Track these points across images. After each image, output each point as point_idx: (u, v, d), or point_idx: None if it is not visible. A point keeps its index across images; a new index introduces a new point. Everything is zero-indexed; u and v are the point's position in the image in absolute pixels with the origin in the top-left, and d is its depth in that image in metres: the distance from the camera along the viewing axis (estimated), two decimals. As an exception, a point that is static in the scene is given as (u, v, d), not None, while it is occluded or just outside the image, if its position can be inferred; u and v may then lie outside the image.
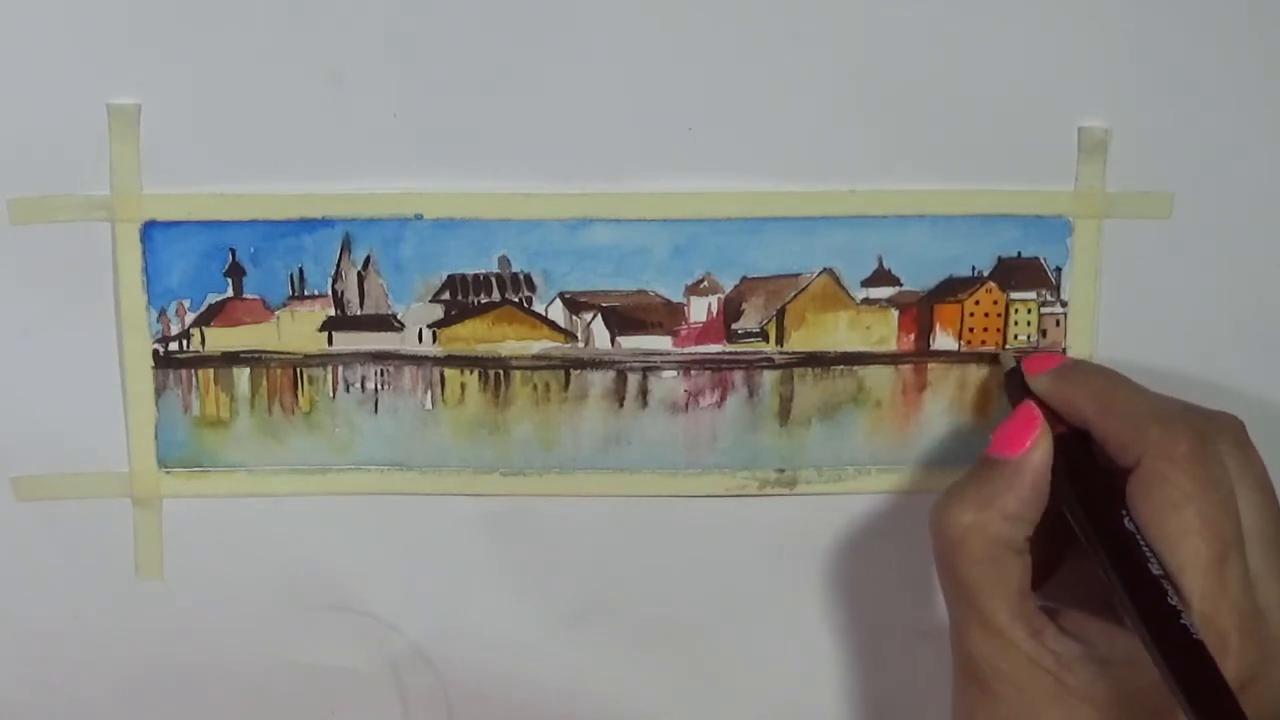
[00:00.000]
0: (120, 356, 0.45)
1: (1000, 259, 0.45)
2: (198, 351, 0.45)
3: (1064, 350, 0.46)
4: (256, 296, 0.45)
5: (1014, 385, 0.43)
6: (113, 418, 0.45)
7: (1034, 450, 0.40)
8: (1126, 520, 0.39)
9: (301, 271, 0.45)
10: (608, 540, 0.47)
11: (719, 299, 0.45)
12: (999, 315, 0.45)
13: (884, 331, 0.46)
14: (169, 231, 0.44)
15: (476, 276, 0.45)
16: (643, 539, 0.47)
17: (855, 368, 0.46)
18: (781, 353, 0.46)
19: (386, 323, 0.45)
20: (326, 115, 0.43)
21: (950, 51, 0.44)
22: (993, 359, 0.45)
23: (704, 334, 0.45)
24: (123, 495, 0.46)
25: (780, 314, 0.45)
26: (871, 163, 0.44)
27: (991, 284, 0.45)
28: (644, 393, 0.46)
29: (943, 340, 0.46)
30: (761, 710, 0.49)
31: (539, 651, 0.48)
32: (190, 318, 0.45)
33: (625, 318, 0.45)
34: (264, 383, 0.45)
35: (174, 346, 0.45)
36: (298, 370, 0.45)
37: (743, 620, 0.48)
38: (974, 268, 0.45)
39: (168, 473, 0.46)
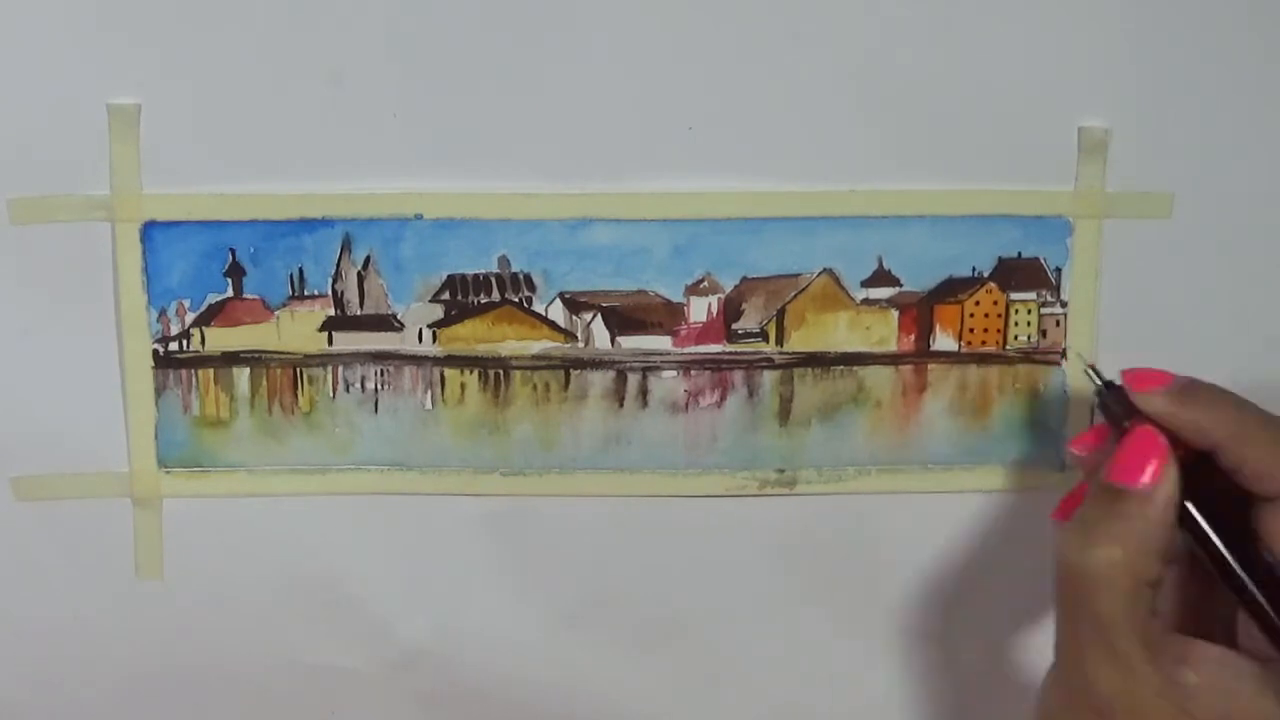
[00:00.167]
0: (120, 356, 0.45)
1: (1000, 259, 0.45)
2: (198, 351, 0.45)
3: (1063, 351, 0.46)
4: (256, 296, 0.45)
5: (1117, 407, 0.41)
6: (113, 418, 0.45)
7: (1165, 478, 0.39)
8: (1259, 546, 0.38)
9: (301, 271, 0.45)
10: (608, 540, 0.47)
11: (719, 299, 0.45)
12: (999, 316, 0.45)
13: (884, 332, 0.46)
14: (169, 231, 0.44)
15: (476, 276, 0.45)
16: (643, 539, 0.47)
17: (855, 368, 0.46)
18: (781, 353, 0.46)
19: (386, 323, 0.45)
20: (326, 115, 0.43)
21: (950, 51, 0.44)
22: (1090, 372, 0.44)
23: (704, 334, 0.45)
24: (123, 495, 0.46)
25: (780, 314, 0.45)
26: (871, 163, 0.44)
27: (991, 284, 0.45)
28: (644, 393, 0.46)
29: (943, 341, 0.46)
30: (761, 710, 0.49)
31: (539, 651, 0.48)
32: (190, 318, 0.45)
33: (625, 318, 0.45)
34: (264, 383, 0.45)
35: (174, 346, 0.45)
36: (298, 370, 0.45)
37: (742, 620, 0.48)
38: (974, 268, 0.45)
39: (168, 473, 0.46)
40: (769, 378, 0.46)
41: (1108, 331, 0.46)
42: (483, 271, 0.45)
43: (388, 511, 0.46)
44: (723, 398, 0.46)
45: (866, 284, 0.45)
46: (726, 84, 0.44)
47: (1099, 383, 0.41)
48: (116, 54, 0.43)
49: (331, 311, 0.45)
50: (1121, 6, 0.44)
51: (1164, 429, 0.40)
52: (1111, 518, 0.39)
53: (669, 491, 0.46)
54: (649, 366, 0.45)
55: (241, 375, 0.45)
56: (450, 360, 0.45)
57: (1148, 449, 0.40)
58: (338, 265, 0.45)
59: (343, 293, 0.45)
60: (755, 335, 0.45)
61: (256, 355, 0.45)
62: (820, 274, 0.45)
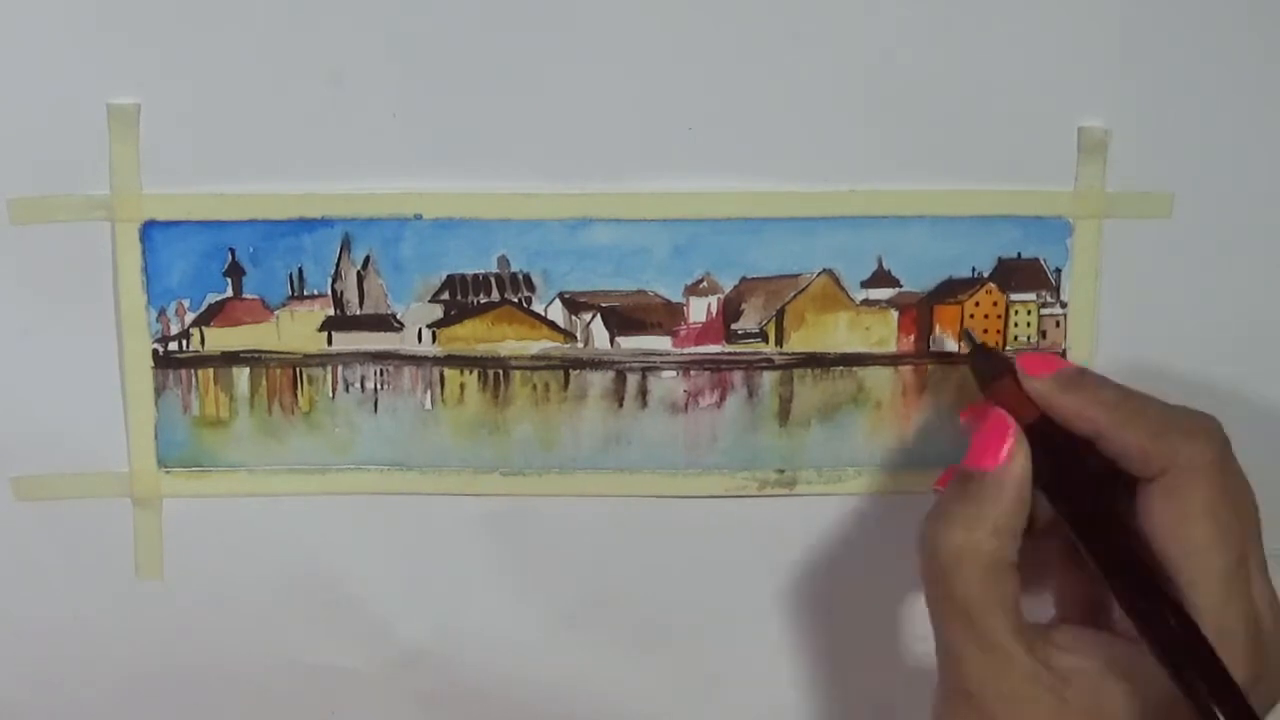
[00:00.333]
0: (120, 356, 0.45)
1: (1000, 260, 0.45)
2: (197, 351, 0.45)
3: (1064, 352, 0.46)
4: (256, 296, 0.45)
5: (984, 368, 0.42)
6: (113, 418, 0.45)
7: (1013, 461, 0.40)
8: (1122, 522, 0.39)
9: (301, 271, 0.45)
10: (608, 540, 0.47)
11: (718, 299, 0.45)
12: (999, 316, 0.45)
13: (884, 332, 0.46)
14: (169, 231, 0.44)
15: (476, 276, 0.45)
16: (643, 539, 0.47)
17: (855, 368, 0.46)
18: (781, 353, 0.46)
19: (386, 323, 0.45)
20: (326, 115, 0.43)
21: (950, 51, 0.44)
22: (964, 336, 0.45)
23: (703, 334, 0.45)
24: (123, 495, 0.46)
25: (780, 314, 0.45)
26: (871, 163, 0.44)
27: (991, 285, 0.45)
28: (643, 393, 0.46)
29: (942, 341, 0.45)
30: (761, 710, 0.49)
31: (539, 651, 0.48)
32: (190, 318, 0.45)
33: (625, 318, 0.45)
34: (264, 383, 0.45)
35: (174, 346, 0.45)
36: (297, 370, 0.45)
37: (742, 620, 0.48)
38: (974, 269, 0.45)
39: (168, 473, 0.46)
40: (769, 378, 0.46)
41: (1108, 332, 0.46)
42: (482, 271, 0.45)
43: (388, 511, 0.46)
44: (722, 398, 0.46)
45: (866, 284, 0.45)
46: (726, 84, 0.44)
47: (975, 344, 0.43)
48: (116, 54, 0.43)
49: (331, 311, 0.45)
50: (1121, 6, 0.44)
51: (1050, 415, 0.40)
52: (962, 500, 0.40)
53: (669, 491, 0.46)
54: (649, 367, 0.45)
55: (241, 375, 0.45)
56: (450, 360, 0.45)
57: (997, 433, 0.40)
58: (337, 265, 0.45)
59: (342, 293, 0.45)
60: (755, 335, 0.45)
61: (256, 355, 0.45)
62: (820, 274, 0.45)
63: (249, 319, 0.45)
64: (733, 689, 0.49)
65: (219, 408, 0.45)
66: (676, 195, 0.44)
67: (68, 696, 0.47)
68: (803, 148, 0.44)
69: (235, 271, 0.44)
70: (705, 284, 0.45)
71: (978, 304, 0.45)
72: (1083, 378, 0.41)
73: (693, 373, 0.46)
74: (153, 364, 0.45)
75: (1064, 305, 0.45)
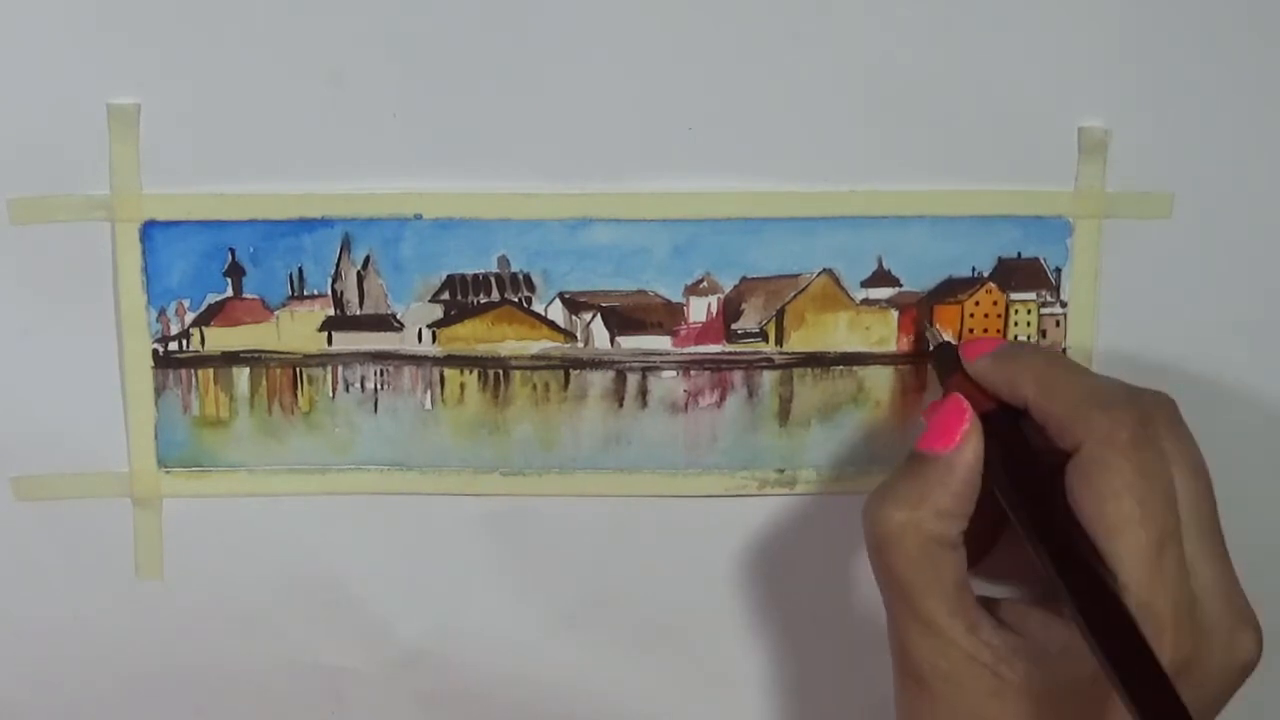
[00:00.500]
0: (120, 356, 0.45)
1: (1000, 259, 0.45)
2: (197, 351, 0.45)
3: (1063, 351, 0.46)
4: (256, 296, 0.45)
5: (943, 362, 0.43)
6: (113, 418, 0.45)
7: (965, 446, 0.39)
8: (1062, 505, 0.38)
9: (301, 271, 0.45)
10: (608, 540, 0.47)
11: (719, 299, 0.45)
12: (999, 316, 0.45)
13: (884, 332, 0.46)
14: (169, 231, 0.44)
15: (476, 276, 0.45)
16: (643, 539, 0.47)
17: (855, 368, 0.46)
18: (781, 353, 0.46)
19: (386, 323, 0.45)
20: (326, 115, 0.43)
21: (950, 51, 0.44)
22: (917, 353, 0.45)
23: (703, 334, 0.45)
24: (123, 495, 0.46)
25: (780, 314, 0.45)
26: (871, 163, 0.44)
27: (991, 285, 0.45)
28: (643, 393, 0.46)
29: (941, 337, 0.45)
30: (760, 710, 0.49)
31: (539, 651, 0.48)
32: (190, 318, 0.45)
33: (625, 318, 0.45)
34: (264, 383, 0.45)
35: (174, 346, 0.45)
36: (297, 370, 0.45)
37: (742, 620, 0.48)
38: (974, 268, 0.45)
39: (168, 473, 0.46)
40: (769, 378, 0.46)
41: (1107, 332, 0.46)
42: (482, 271, 0.45)
43: (388, 511, 0.46)
44: (722, 398, 0.46)
45: (866, 284, 0.45)
46: (726, 84, 0.44)
47: (938, 341, 0.43)
48: (116, 54, 0.43)
49: (331, 311, 0.45)
50: (1121, 6, 0.44)
51: (976, 385, 0.40)
52: (909, 480, 0.40)
53: (669, 491, 0.46)
54: (649, 366, 0.45)
55: (241, 375, 0.45)
56: (450, 360, 0.45)
57: (952, 417, 0.40)
58: (337, 265, 0.45)
59: (342, 293, 0.45)
60: (755, 335, 0.45)
61: (256, 355, 0.45)
62: (820, 274, 0.45)
63: (249, 319, 0.45)
64: (733, 689, 0.49)
65: (219, 408, 0.46)
66: (676, 195, 0.44)
67: (68, 696, 0.48)
68: (803, 148, 0.44)
69: (235, 271, 0.44)
70: (705, 284, 0.45)
71: (978, 303, 0.45)
72: (1017, 351, 0.41)
73: (693, 372, 0.46)
74: (153, 364, 0.45)
75: (1064, 305, 0.46)
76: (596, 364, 0.45)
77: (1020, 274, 0.45)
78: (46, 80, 0.43)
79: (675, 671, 0.48)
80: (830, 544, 0.47)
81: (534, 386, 0.46)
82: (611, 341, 0.45)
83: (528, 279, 0.45)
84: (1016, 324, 0.46)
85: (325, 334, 0.45)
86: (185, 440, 0.46)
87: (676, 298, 0.45)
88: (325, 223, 0.44)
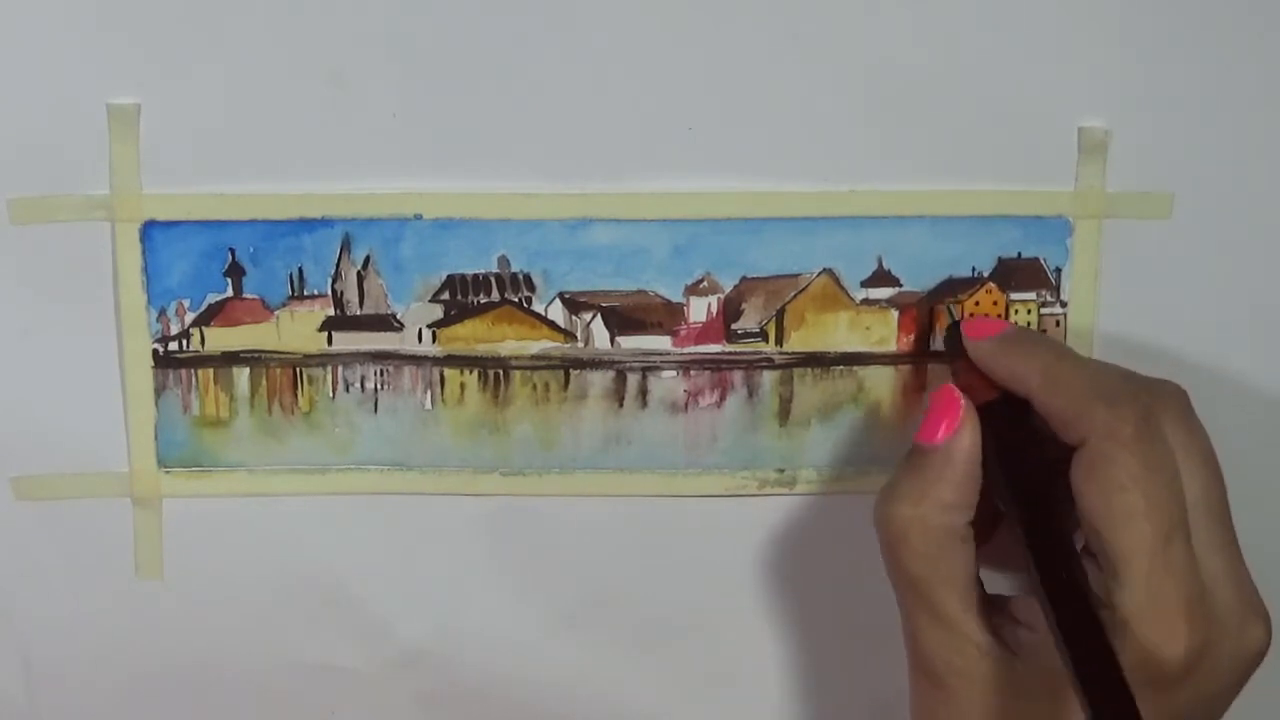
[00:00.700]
0: (120, 356, 0.45)
1: (1000, 259, 0.45)
2: (197, 351, 0.45)
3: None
4: (256, 296, 0.45)
5: (953, 345, 0.43)
6: (113, 418, 0.45)
7: (960, 435, 0.39)
8: (1055, 497, 0.38)
9: (301, 271, 0.45)
10: (608, 540, 0.47)
11: (719, 299, 0.45)
12: (999, 315, 0.45)
13: (884, 332, 0.46)
14: (169, 231, 0.44)
15: (476, 276, 0.45)
16: (643, 539, 0.47)
17: (855, 368, 0.46)
18: (781, 353, 0.46)
19: (386, 323, 0.45)
20: (326, 115, 0.43)
21: (950, 51, 0.44)
22: (946, 313, 0.45)
23: (704, 334, 0.45)
24: (123, 495, 0.46)
25: (780, 314, 0.45)
26: (871, 163, 0.44)
27: (991, 285, 0.45)
28: (644, 393, 0.46)
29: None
30: (761, 710, 0.49)
31: (539, 651, 0.48)
32: (190, 317, 0.45)
33: (625, 318, 0.45)
34: (264, 383, 0.45)
35: (174, 346, 0.45)
36: (297, 370, 0.45)
37: (742, 620, 0.48)
38: (974, 268, 0.45)
39: (168, 473, 0.46)
40: (769, 378, 0.46)
41: (1107, 331, 0.46)
42: (482, 271, 0.45)
43: (388, 511, 0.46)
44: (722, 398, 0.46)
45: (866, 284, 0.45)
46: (726, 84, 0.44)
47: (952, 320, 0.43)
48: (116, 54, 0.43)
49: (331, 311, 0.45)
50: (1121, 6, 0.44)
51: (976, 373, 0.40)
52: (910, 475, 0.40)
53: (669, 491, 0.46)
54: (649, 366, 0.46)
55: (241, 375, 0.45)
56: (450, 360, 0.45)
57: (944, 407, 0.40)
58: (337, 265, 0.45)
59: (342, 293, 0.45)
60: (755, 335, 0.45)
61: (256, 355, 0.45)
62: (820, 274, 0.45)
63: (249, 319, 0.45)
64: (733, 689, 0.49)
65: (219, 408, 0.46)
66: (676, 195, 0.44)
67: (68, 696, 0.47)
68: (803, 148, 0.44)
69: (235, 271, 0.44)
70: (705, 284, 0.45)
71: (978, 303, 0.45)
72: (1022, 338, 0.41)
73: (693, 372, 0.46)
74: (153, 364, 0.45)
75: (1064, 305, 0.46)
76: (596, 364, 0.45)
77: (1020, 274, 0.45)
78: (46, 80, 0.43)
79: (675, 671, 0.48)
80: (830, 544, 0.47)
81: (534, 386, 0.46)
82: (611, 341, 0.45)
83: (528, 279, 0.45)
84: (1016, 323, 0.45)
85: (325, 334, 0.45)
86: (185, 440, 0.46)
87: (676, 298, 0.45)
88: (325, 223, 0.44)
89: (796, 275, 0.45)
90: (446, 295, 0.45)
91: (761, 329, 0.45)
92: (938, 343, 0.45)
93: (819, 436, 0.46)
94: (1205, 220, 0.45)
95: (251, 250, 0.44)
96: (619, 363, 0.46)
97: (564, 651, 0.48)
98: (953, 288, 0.45)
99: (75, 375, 0.45)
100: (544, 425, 0.46)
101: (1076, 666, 0.35)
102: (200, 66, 0.43)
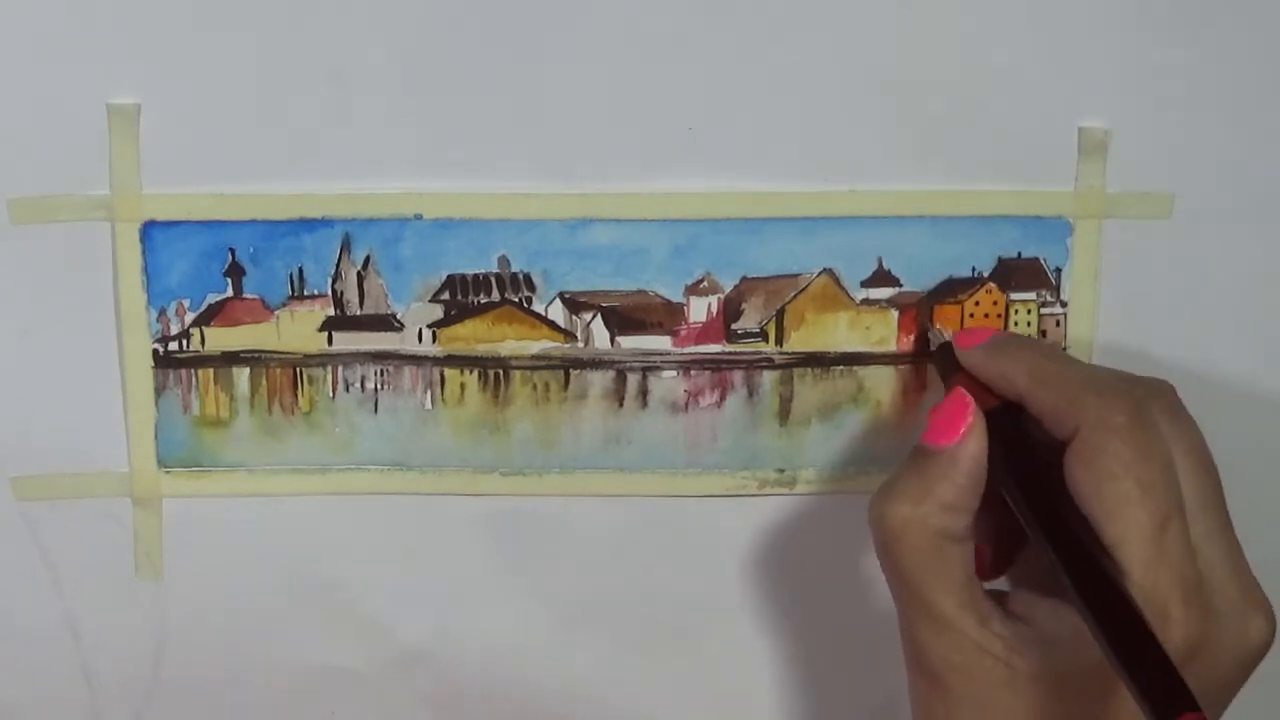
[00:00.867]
0: (120, 356, 0.45)
1: (1000, 259, 0.45)
2: (197, 351, 0.45)
3: (1064, 350, 0.46)
4: (256, 296, 0.45)
5: (945, 362, 0.43)
6: (113, 418, 0.45)
7: (968, 439, 0.40)
8: (1063, 495, 0.38)
9: (301, 271, 0.45)
10: (608, 540, 0.47)
11: (719, 299, 0.45)
12: (999, 316, 0.45)
13: (884, 332, 0.46)
14: (169, 231, 0.44)
15: (476, 276, 0.45)
16: (643, 539, 0.47)
17: (855, 368, 0.46)
18: (781, 353, 0.46)
19: (386, 323, 0.45)
20: (326, 115, 0.43)
21: (950, 51, 0.44)
22: (918, 355, 0.45)
23: (704, 334, 0.45)
24: (123, 495, 0.46)
25: (780, 314, 0.45)
26: (871, 163, 0.44)
27: (991, 284, 0.45)
28: (644, 393, 0.46)
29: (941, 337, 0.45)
30: (761, 710, 0.49)
31: (539, 651, 0.48)
32: (190, 317, 0.45)
33: (625, 318, 0.45)
34: (264, 383, 0.45)
35: (174, 346, 0.45)
36: (297, 370, 0.45)
37: (742, 620, 0.48)
38: (974, 268, 0.45)
39: (168, 473, 0.46)
40: (769, 378, 0.46)
41: (1107, 331, 0.46)
42: (482, 271, 0.45)
43: (388, 511, 0.46)
44: (722, 398, 0.46)
45: (866, 284, 0.45)
46: (726, 84, 0.44)
47: (940, 341, 0.43)
48: (116, 54, 0.43)
49: (331, 311, 0.45)
50: (1121, 6, 0.44)
51: (977, 382, 0.41)
52: (914, 475, 0.40)
53: (669, 491, 0.46)
54: (649, 366, 0.46)
55: (241, 375, 0.45)
56: (450, 360, 0.45)
57: (956, 411, 0.40)
58: (337, 265, 0.45)
59: (342, 293, 0.45)
60: (755, 335, 0.45)
61: (256, 355, 0.45)
62: (820, 274, 0.45)
63: (249, 319, 0.45)
64: (733, 689, 0.49)
65: (219, 408, 0.45)
66: (676, 195, 0.44)
67: (68, 696, 0.47)
68: (803, 148, 0.44)
69: (235, 271, 0.44)
70: (705, 284, 0.45)
71: (978, 303, 0.45)
72: (1009, 342, 0.42)
73: (693, 372, 0.46)
74: (153, 364, 0.45)
75: (1064, 305, 0.46)
76: (597, 364, 0.45)
77: (1020, 274, 0.45)
78: (46, 80, 0.43)
79: (675, 671, 0.48)
80: (831, 544, 0.47)
81: (534, 386, 0.46)
82: (612, 341, 0.45)
83: (528, 279, 0.45)
84: (1016, 324, 0.46)
85: (325, 334, 0.45)
86: (185, 440, 0.46)
87: (676, 298, 0.45)
88: (325, 223, 0.44)
89: (796, 275, 0.45)
90: (446, 295, 0.45)
91: (761, 329, 0.45)
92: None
93: (819, 436, 0.46)
94: (1205, 220, 0.45)
95: (251, 250, 0.44)
96: (619, 363, 0.46)
97: (564, 651, 0.48)
98: (953, 288, 0.45)
99: (75, 375, 0.45)
100: (544, 425, 0.46)
101: (1119, 651, 0.35)
102: (200, 66, 0.43)
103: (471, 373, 0.45)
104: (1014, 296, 0.45)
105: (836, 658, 0.48)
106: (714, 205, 0.44)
